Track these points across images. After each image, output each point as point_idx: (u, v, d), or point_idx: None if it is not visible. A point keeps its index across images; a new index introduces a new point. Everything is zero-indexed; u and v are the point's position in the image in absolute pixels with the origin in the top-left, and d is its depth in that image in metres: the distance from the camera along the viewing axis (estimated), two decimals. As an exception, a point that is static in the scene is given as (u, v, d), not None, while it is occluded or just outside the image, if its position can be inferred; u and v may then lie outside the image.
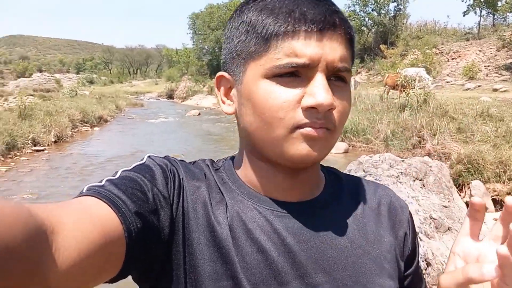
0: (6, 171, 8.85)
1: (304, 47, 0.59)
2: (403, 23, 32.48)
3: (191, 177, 0.67)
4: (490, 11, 31.19)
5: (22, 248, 0.38)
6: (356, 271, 0.66)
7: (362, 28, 32.15)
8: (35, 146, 11.37)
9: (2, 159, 9.68)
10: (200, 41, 52.81)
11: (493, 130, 8.96)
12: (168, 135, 14.98)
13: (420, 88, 13.16)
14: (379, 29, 31.24)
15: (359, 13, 32.88)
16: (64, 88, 31.78)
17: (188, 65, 54.65)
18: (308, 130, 0.60)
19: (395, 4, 32.32)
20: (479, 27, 30.97)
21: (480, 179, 6.61)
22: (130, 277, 0.60)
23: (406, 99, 12.63)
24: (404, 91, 13.86)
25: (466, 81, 22.00)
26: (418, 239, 0.79)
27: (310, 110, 0.59)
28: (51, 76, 59.55)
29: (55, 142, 12.47)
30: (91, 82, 66.46)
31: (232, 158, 0.75)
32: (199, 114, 22.76)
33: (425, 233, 3.41)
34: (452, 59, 26.18)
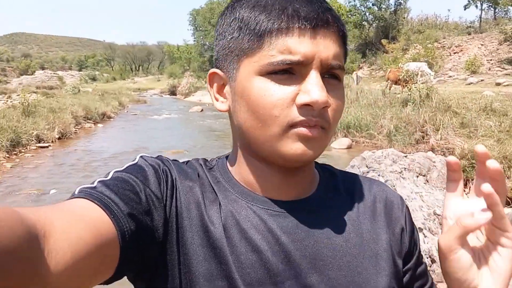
0: (11, 167, 8.89)
1: (298, 44, 0.58)
2: (404, 18, 32.30)
3: (184, 177, 0.66)
4: (491, 4, 31.02)
5: (20, 250, 0.38)
6: (351, 271, 0.65)
7: (363, 23, 32.02)
8: (39, 142, 11.40)
9: (8, 155, 9.70)
10: (201, 37, 52.63)
11: (496, 124, 8.92)
12: (171, 131, 14.99)
13: (422, 83, 13.13)
14: (380, 23, 31.09)
15: (359, 7, 32.76)
16: (67, 85, 31.78)
17: (189, 61, 54.55)
18: (302, 130, 0.60)
19: (396, -2, 32.17)
20: (481, 21, 30.80)
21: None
22: (125, 277, 0.60)
23: (408, 94, 12.59)
24: (406, 86, 13.83)
25: (468, 75, 21.92)
26: (417, 233, 0.77)
27: (305, 108, 0.59)
28: (54, 73, 59.49)
29: (59, 138, 12.48)
30: (93, 79, 66.37)
31: (226, 156, 0.74)
32: (202, 110, 22.73)
33: (429, 229, 3.42)
34: (454, 53, 26.07)
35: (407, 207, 0.76)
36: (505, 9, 30.93)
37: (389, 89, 15.93)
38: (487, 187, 0.55)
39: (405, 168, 4.59)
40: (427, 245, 3.30)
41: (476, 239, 0.61)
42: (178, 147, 11.10)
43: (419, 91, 11.97)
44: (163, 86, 46.33)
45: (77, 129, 14.60)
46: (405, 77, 14.37)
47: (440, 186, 4.59)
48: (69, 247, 0.45)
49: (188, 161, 0.72)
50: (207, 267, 0.61)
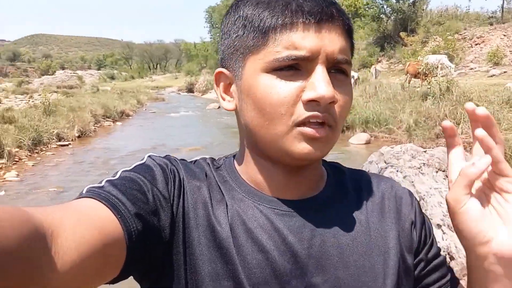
0: (33, 165, 9.09)
1: (303, 39, 0.58)
2: (423, 9, 31.75)
3: (191, 177, 0.66)
4: (514, -6, 30.23)
5: (20, 250, 0.38)
6: (358, 269, 0.64)
7: (381, 16, 31.58)
8: (59, 141, 11.64)
9: (29, 154, 9.93)
10: (218, 34, 52.76)
11: (520, 117, 8.73)
12: (188, 128, 15.09)
13: (442, 76, 12.89)
14: (398, 16, 30.60)
15: (377, 0, 32.32)
16: (86, 84, 32.33)
17: (206, 58, 54.84)
18: (309, 130, 0.59)
19: (415, -10, 31.64)
20: (503, 11, 30.05)
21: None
22: (131, 277, 0.60)
23: (428, 88, 12.39)
24: (426, 79, 13.61)
25: (490, 67, 21.42)
26: (430, 224, 0.75)
27: (311, 104, 0.59)
28: (73, 73, 60.52)
29: (78, 137, 12.71)
30: (112, 77, 67.31)
31: (234, 156, 0.74)
32: (219, 107, 22.76)
33: (448, 226, 3.35)
34: (476, 44, 25.50)
35: (416, 200, 0.75)
36: (529, -2, 30.12)
37: (408, 83, 15.70)
38: (479, 132, 0.56)
39: (424, 164, 4.50)
40: (445, 242, 3.24)
41: (484, 195, 0.59)
42: (195, 145, 11.17)
43: (439, 84, 11.77)
44: (180, 84, 46.66)
45: (96, 128, 14.84)
46: (424, 70, 14.12)
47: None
48: (76, 246, 0.46)
49: (196, 160, 0.72)
50: (213, 267, 0.61)
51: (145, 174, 0.61)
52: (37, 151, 10.34)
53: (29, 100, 23.04)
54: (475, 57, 23.96)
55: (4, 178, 7.88)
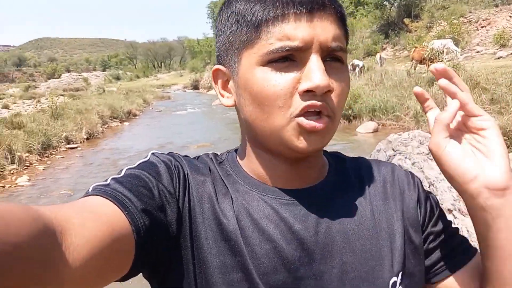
0: (43, 169, 9.17)
1: (295, 30, 0.58)
2: (427, -6, 31.39)
3: (195, 172, 0.67)
4: (519, -26, 29.73)
5: (31, 247, 0.39)
6: (365, 254, 0.65)
7: (384, 3, 31.28)
8: (68, 144, 11.72)
9: (40, 158, 10.02)
10: (220, 30, 52.66)
11: (529, 98, 8.63)
12: (195, 125, 15.13)
13: (448, 61, 12.76)
14: (401, 2, 30.30)
15: (380, -13, 31.98)
16: (92, 86, 32.49)
17: (210, 54, 54.83)
18: (307, 123, 0.59)
19: (417, -25, 31.25)
20: (509, -8, 29.60)
21: (516, 151, 6.39)
22: (137, 276, 0.60)
23: (434, 73, 12.27)
24: (431, 64, 13.49)
25: (497, 49, 21.15)
26: (435, 199, 0.75)
27: (307, 94, 0.59)
28: (79, 75, 60.91)
29: (87, 139, 12.81)
30: (117, 78, 67.66)
31: (235, 150, 0.75)
32: (224, 102, 22.78)
33: (459, 210, 3.33)
34: (482, 27, 25.17)
35: (418, 179, 0.76)
36: (534, -22, 29.59)
37: (414, 69, 15.57)
38: (442, 81, 0.61)
39: (433, 149, 4.46)
40: (457, 226, 3.22)
41: (464, 138, 0.63)
42: (203, 141, 11.21)
43: (445, 69, 11.63)
44: (185, 81, 46.77)
45: (104, 129, 14.93)
46: (430, 55, 13.99)
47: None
48: (85, 243, 0.46)
49: (199, 156, 0.73)
50: (221, 260, 0.61)
51: (150, 171, 0.61)
52: (47, 155, 10.43)
53: (36, 105, 23.25)
54: (481, 40, 23.67)
55: (16, 184, 7.96)
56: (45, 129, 11.17)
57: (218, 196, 0.65)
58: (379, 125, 11.26)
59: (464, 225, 3.18)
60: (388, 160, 4.39)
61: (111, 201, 0.54)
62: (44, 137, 10.65)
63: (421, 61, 15.11)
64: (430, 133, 0.65)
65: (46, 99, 20.96)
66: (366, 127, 11.11)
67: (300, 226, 0.64)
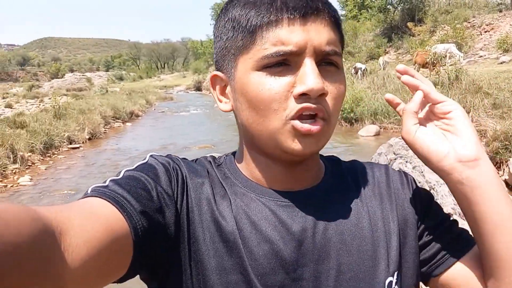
0: (45, 169, 9.19)
1: (289, 34, 0.59)
2: (431, -1, 31.38)
3: (194, 174, 0.67)
4: (523, -21, 29.66)
5: (31, 247, 0.39)
6: (361, 254, 0.66)
7: (388, 6, 31.26)
8: (70, 144, 11.72)
9: (42, 158, 10.04)
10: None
11: (531, 104, 8.60)
12: (198, 126, 15.14)
13: (451, 65, 12.75)
14: (405, 6, 30.27)
15: (384, -9, 31.97)
16: (95, 86, 32.55)
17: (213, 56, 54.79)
18: (302, 126, 0.60)
19: (421, -21, 31.20)
20: (513, -3, 29.54)
21: (518, 156, 6.38)
22: (133, 278, 0.60)
23: (436, 77, 12.26)
24: (434, 68, 13.47)
25: (500, 54, 21.09)
26: (429, 196, 0.76)
27: (302, 97, 0.59)
28: (82, 75, 61.12)
29: (89, 139, 12.82)
30: (120, 78, 67.76)
31: (234, 153, 0.75)
32: (227, 104, 22.77)
33: (459, 214, 3.34)
34: (485, 32, 25.12)
35: (411, 178, 0.77)
36: (538, -17, 29.51)
37: (417, 73, 15.52)
38: (404, 77, 0.68)
39: (434, 154, 4.46)
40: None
41: (434, 125, 0.67)
42: (205, 142, 11.22)
43: (448, 74, 11.63)
44: (188, 82, 46.81)
45: (106, 129, 14.93)
46: (432, 60, 13.97)
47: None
48: (84, 244, 0.46)
49: (197, 159, 0.73)
50: (219, 262, 0.61)
51: (148, 173, 0.62)
52: (49, 154, 10.45)
53: (39, 104, 23.31)
54: (485, 45, 23.62)
55: (18, 183, 7.98)
56: (48, 129, 11.19)
57: (216, 198, 0.66)
58: (381, 128, 11.25)
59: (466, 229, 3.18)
60: (389, 164, 4.39)
61: (109, 202, 0.54)
62: (47, 136, 10.67)
63: (424, 65, 15.09)
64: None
65: (49, 98, 21.02)
66: (368, 130, 11.10)
67: (298, 228, 0.64)
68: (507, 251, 0.60)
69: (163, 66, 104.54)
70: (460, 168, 0.61)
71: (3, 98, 31.61)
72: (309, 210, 0.66)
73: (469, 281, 0.67)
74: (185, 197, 0.64)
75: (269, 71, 0.60)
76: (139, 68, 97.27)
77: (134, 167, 0.64)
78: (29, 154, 9.65)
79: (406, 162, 4.30)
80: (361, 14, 36.81)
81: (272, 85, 0.60)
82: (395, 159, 4.50)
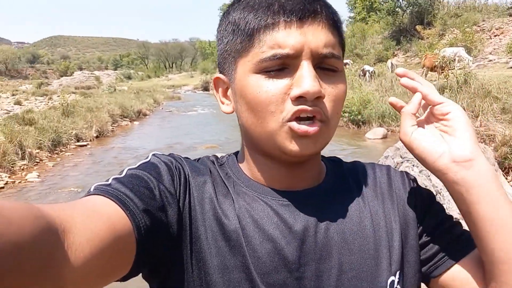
0: (53, 166, 9.25)
1: (286, 37, 0.59)
2: (440, 2, 31.18)
3: (196, 173, 0.68)
4: (535, -17, 29.39)
5: (33, 245, 0.39)
6: (363, 253, 0.66)
7: (397, 9, 31.13)
8: (78, 141, 11.81)
9: (49, 155, 10.10)
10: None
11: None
12: (204, 126, 15.17)
13: (459, 69, 12.67)
14: (414, 9, 30.13)
15: (393, -6, 31.84)
16: (103, 85, 32.74)
17: (221, 56, 54.82)
18: (299, 127, 0.60)
19: (431, -18, 31.02)
20: (523, 1, 29.29)
21: (527, 161, 6.33)
22: (137, 277, 0.60)
23: (445, 81, 12.19)
24: (443, 72, 13.40)
25: (510, 58, 20.93)
26: (430, 195, 0.75)
27: (299, 100, 0.60)
28: (91, 73, 61.41)
29: (96, 137, 12.88)
30: (128, 77, 68.08)
31: (236, 153, 0.76)
32: (234, 104, 22.78)
33: (466, 217, 3.32)
34: (495, 36, 24.94)
35: (414, 180, 0.77)
36: (549, -13, 29.24)
37: (425, 76, 15.46)
38: (403, 80, 0.68)
39: (441, 158, 4.44)
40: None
41: (433, 126, 0.67)
42: (211, 142, 11.24)
43: (456, 77, 11.56)
44: (196, 82, 46.93)
45: (114, 127, 15.00)
46: (441, 63, 13.90)
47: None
48: (87, 242, 0.46)
49: (200, 158, 0.74)
50: (221, 260, 0.62)
51: (151, 171, 0.62)
52: (56, 152, 10.51)
53: (48, 102, 23.48)
54: (494, 49, 23.44)
55: (26, 179, 8.04)
56: (56, 126, 11.27)
57: (219, 197, 0.66)
58: (388, 131, 11.20)
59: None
60: (395, 167, 4.38)
61: (112, 200, 0.54)
62: (55, 134, 10.74)
63: (432, 69, 15.02)
64: None
65: (58, 96, 21.16)
66: (375, 133, 11.06)
67: (300, 227, 0.65)
68: (505, 251, 0.59)
69: (171, 65, 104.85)
70: (454, 169, 0.61)
71: (13, 95, 31.88)
72: (310, 209, 0.67)
73: (468, 283, 0.66)
74: (187, 195, 0.64)
75: (267, 74, 0.61)
76: (147, 67, 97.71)
77: (136, 165, 0.64)
78: (37, 151, 9.72)
79: (413, 165, 4.28)
80: (369, 16, 36.69)
81: (270, 87, 0.61)
82: (402, 162, 4.48)
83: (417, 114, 0.68)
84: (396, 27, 30.31)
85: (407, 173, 0.78)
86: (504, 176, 5.92)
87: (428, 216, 0.72)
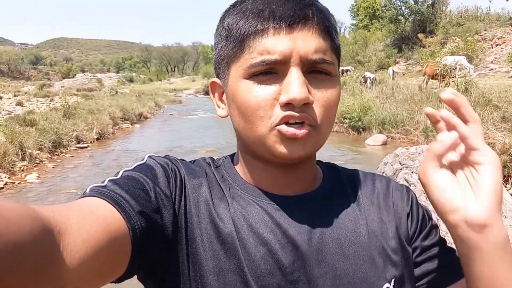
0: (53, 167, 9.25)
1: (275, 43, 0.60)
2: (442, 11, 31.27)
3: (192, 176, 0.68)
4: (537, -7, 29.47)
5: (33, 245, 0.39)
6: (358, 260, 0.66)
7: (399, 17, 31.21)
8: (78, 143, 11.80)
9: (50, 156, 10.10)
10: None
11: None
12: (205, 130, 15.17)
13: (460, 77, 12.70)
14: (416, 17, 30.21)
15: (395, 2, 31.96)
16: (105, 87, 32.79)
17: (223, 61, 54.94)
18: (287, 130, 0.60)
19: (434, -9, 31.11)
20: (525, 11, 29.35)
21: (526, 170, 6.33)
22: (130, 279, 0.59)
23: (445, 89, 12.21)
24: (444, 80, 13.43)
25: (511, 68, 20.99)
26: (428, 215, 0.75)
27: (287, 106, 0.60)
28: (93, 76, 61.53)
29: (97, 139, 12.88)
30: (130, 80, 68.20)
31: (232, 155, 0.76)
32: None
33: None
34: (496, 45, 25.00)
35: (413, 194, 0.76)
36: (551, -2, 29.31)
37: (426, 84, 15.49)
38: (444, 113, 0.58)
39: (440, 165, 4.44)
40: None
41: (460, 169, 0.60)
42: (212, 146, 11.25)
43: (457, 85, 11.58)
44: (198, 86, 47.02)
45: (114, 130, 15.02)
46: (442, 71, 13.93)
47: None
48: (83, 243, 0.46)
49: (196, 160, 0.74)
50: (216, 263, 0.62)
51: (147, 173, 0.62)
52: (57, 153, 10.51)
53: (50, 103, 23.52)
54: (496, 58, 23.49)
55: (26, 180, 8.04)
56: (57, 128, 11.28)
57: (214, 200, 0.66)
58: (388, 138, 11.21)
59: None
60: (394, 173, 4.38)
61: (108, 202, 0.54)
62: (55, 135, 10.75)
63: (433, 77, 15.05)
64: None
65: (60, 98, 21.19)
66: (375, 139, 11.07)
67: (294, 231, 0.65)
68: None
69: (173, 69, 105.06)
70: (464, 228, 0.56)
71: (15, 96, 31.97)
72: (305, 214, 0.67)
73: None
74: (183, 198, 0.64)
75: (256, 80, 0.61)
76: (149, 71, 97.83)
77: (132, 167, 0.64)
78: (38, 152, 9.73)
79: (412, 172, 4.28)
80: (372, 24, 36.84)
81: (259, 93, 0.61)
82: (401, 169, 4.48)
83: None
84: (398, 35, 30.40)
85: (408, 188, 0.77)
86: (503, 184, 5.92)
87: (423, 236, 0.72)
